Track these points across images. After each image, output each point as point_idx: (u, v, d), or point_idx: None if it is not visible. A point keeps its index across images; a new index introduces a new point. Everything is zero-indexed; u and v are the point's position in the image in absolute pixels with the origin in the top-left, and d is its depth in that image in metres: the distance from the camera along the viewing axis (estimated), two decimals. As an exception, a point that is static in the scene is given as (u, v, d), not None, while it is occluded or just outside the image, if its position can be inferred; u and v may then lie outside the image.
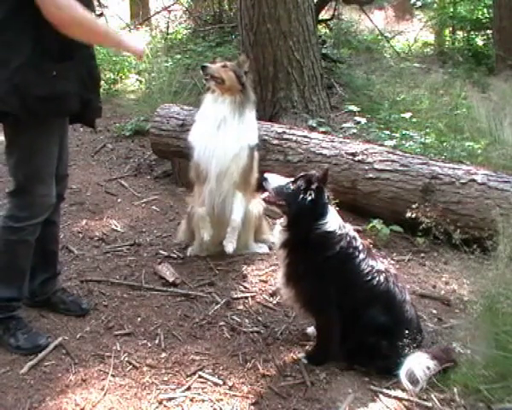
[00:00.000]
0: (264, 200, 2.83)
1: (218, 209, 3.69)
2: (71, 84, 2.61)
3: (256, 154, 3.81)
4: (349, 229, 2.72)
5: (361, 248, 2.69)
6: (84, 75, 2.69)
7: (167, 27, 10.36)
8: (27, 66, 2.47)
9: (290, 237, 2.68)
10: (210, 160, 3.59)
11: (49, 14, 2.43)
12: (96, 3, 2.94)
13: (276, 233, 2.79)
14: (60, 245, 3.30)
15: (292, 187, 2.66)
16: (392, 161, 4.24)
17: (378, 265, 2.72)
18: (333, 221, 2.64)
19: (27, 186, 2.69)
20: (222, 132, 3.56)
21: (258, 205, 3.75)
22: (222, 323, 3.07)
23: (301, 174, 2.70)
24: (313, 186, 2.59)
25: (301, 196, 2.60)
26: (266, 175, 2.78)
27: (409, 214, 3.29)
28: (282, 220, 2.74)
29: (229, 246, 3.62)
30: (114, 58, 8.13)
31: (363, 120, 5.74)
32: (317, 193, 2.60)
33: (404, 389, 2.54)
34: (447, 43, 11.95)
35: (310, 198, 2.59)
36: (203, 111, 3.72)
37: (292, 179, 2.70)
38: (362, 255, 2.67)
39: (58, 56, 2.55)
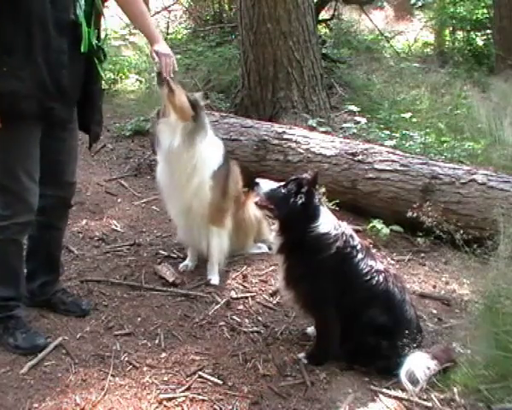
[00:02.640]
0: (255, 204, 2.84)
1: (195, 241, 3.57)
2: (22, 85, 2.54)
3: (232, 170, 3.57)
4: (345, 228, 2.72)
5: (359, 247, 2.69)
6: (45, 80, 2.61)
7: (167, 27, 10.35)
8: None
9: (285, 241, 2.69)
10: (170, 200, 3.49)
11: None
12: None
13: (272, 238, 2.80)
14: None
15: (282, 191, 2.66)
16: (393, 161, 4.24)
17: (377, 265, 2.72)
18: (326, 222, 2.64)
19: (3, 183, 2.71)
20: (174, 169, 3.33)
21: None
22: (222, 323, 3.06)
23: (292, 178, 2.72)
24: (303, 189, 2.60)
25: (292, 199, 2.61)
26: (258, 180, 2.79)
27: (410, 214, 3.28)
28: (275, 225, 2.75)
29: (214, 279, 3.45)
30: (114, 58, 8.12)
31: (363, 120, 5.74)
32: (308, 196, 2.60)
33: (404, 389, 2.54)
34: (447, 43, 11.94)
35: (300, 201, 2.59)
36: (160, 144, 3.39)
37: (283, 183, 2.70)
38: (360, 255, 2.67)
39: (13, 52, 2.51)
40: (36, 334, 2.87)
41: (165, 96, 3.27)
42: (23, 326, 2.86)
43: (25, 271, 3.08)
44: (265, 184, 2.75)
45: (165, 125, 3.34)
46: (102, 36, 2.88)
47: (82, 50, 2.70)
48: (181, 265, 3.62)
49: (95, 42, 2.77)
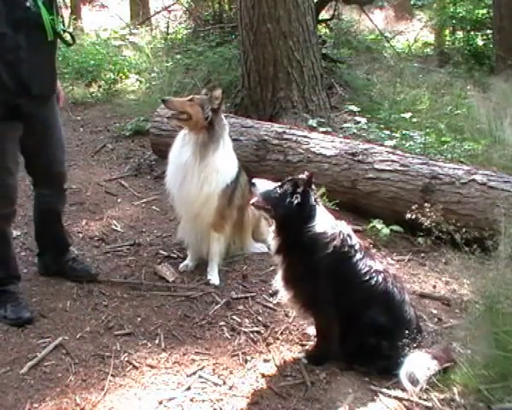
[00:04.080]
0: (252, 205, 2.84)
1: (197, 243, 3.61)
2: None
3: (239, 184, 3.58)
4: (343, 228, 2.72)
5: (357, 247, 2.69)
6: (4, 79, 2.70)
7: (167, 27, 10.35)
8: None
9: (282, 241, 2.69)
10: (180, 206, 3.52)
11: None
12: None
13: (270, 239, 2.80)
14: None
15: (279, 191, 2.67)
16: (393, 161, 4.24)
17: (376, 265, 2.72)
18: (322, 222, 2.64)
19: None
20: (187, 178, 3.36)
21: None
22: (222, 323, 3.07)
23: (288, 178, 2.73)
24: (299, 190, 2.61)
25: (288, 199, 2.62)
26: (254, 180, 2.80)
27: (409, 215, 3.27)
28: (273, 226, 2.75)
29: (214, 279, 3.47)
30: (114, 58, 8.13)
31: (364, 120, 5.73)
32: (303, 196, 2.61)
33: (404, 389, 2.54)
34: (447, 43, 11.94)
35: (296, 201, 2.60)
36: (172, 152, 3.49)
37: (279, 184, 2.71)
38: (359, 255, 2.67)
39: None
40: (24, 308, 3.05)
41: (179, 123, 3.39)
42: (15, 300, 3.06)
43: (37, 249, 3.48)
44: (262, 185, 2.76)
45: (183, 138, 3.41)
46: (66, 21, 3.06)
47: (49, 39, 2.79)
48: (181, 265, 3.62)
49: (60, 28, 2.86)
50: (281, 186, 2.69)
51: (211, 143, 3.34)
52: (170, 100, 3.42)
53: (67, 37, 3.01)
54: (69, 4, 12.31)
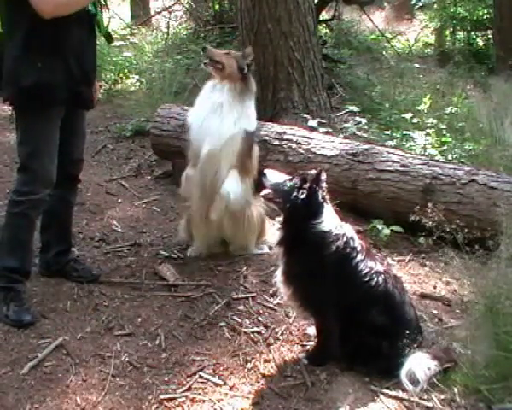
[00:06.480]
0: (263, 197, 2.86)
1: (210, 191, 3.57)
2: (55, 76, 2.88)
3: (255, 145, 3.78)
4: (347, 229, 2.72)
5: (359, 248, 2.69)
6: (72, 68, 2.93)
7: (168, 28, 10.35)
8: (19, 57, 2.83)
9: (285, 234, 2.70)
10: (203, 138, 3.54)
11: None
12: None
13: (275, 231, 2.81)
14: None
15: (287, 184, 2.68)
16: (393, 162, 4.24)
17: (377, 266, 2.71)
18: (328, 221, 2.64)
19: (27, 164, 2.99)
20: (218, 115, 3.52)
21: (259, 207, 3.73)
22: (222, 323, 3.07)
23: (300, 172, 2.74)
24: (306, 186, 2.61)
25: (295, 194, 2.63)
26: (266, 171, 2.81)
27: (412, 218, 3.25)
28: (280, 218, 2.76)
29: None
30: (115, 58, 8.14)
31: (364, 121, 5.73)
32: (310, 193, 2.61)
33: (404, 390, 2.54)
34: (448, 43, 11.95)
35: (302, 197, 2.61)
36: (202, 95, 3.67)
37: (290, 177, 2.72)
38: (360, 256, 2.67)
39: (45, 50, 2.82)
40: (26, 310, 3.03)
41: (213, 72, 3.64)
42: (19, 300, 3.04)
43: (40, 244, 3.43)
44: (272, 176, 2.77)
45: (214, 85, 3.62)
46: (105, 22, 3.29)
47: (101, 32, 3.15)
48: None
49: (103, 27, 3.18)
50: (290, 180, 2.70)
51: (247, 90, 3.62)
52: (209, 48, 3.75)
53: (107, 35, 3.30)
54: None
